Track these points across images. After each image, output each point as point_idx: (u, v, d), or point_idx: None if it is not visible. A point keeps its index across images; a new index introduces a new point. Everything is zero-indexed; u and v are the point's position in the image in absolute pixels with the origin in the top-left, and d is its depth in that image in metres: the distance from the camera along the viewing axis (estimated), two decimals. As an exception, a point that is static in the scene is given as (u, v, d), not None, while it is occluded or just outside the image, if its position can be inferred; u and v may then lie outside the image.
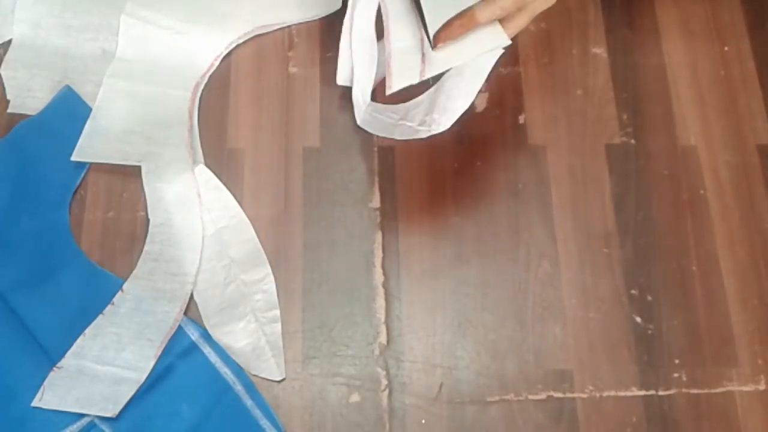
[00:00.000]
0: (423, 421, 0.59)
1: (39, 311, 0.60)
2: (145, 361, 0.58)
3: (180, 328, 0.60)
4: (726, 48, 0.72)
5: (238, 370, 0.59)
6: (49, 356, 0.58)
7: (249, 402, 0.59)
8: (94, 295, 0.61)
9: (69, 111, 0.66)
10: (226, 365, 0.59)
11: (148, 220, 0.63)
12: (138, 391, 0.58)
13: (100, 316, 0.60)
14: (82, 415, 0.57)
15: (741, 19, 0.73)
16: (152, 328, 0.59)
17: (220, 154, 0.67)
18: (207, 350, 0.60)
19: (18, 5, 0.70)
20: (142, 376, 0.58)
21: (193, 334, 0.60)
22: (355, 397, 0.60)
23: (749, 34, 0.72)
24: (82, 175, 0.65)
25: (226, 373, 0.59)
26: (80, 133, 0.65)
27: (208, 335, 0.60)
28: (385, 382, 0.60)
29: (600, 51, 0.71)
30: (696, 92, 0.70)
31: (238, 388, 0.59)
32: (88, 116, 0.65)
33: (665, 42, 0.71)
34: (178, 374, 0.59)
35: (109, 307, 0.60)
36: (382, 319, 0.62)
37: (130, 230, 0.64)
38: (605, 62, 0.70)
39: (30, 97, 0.67)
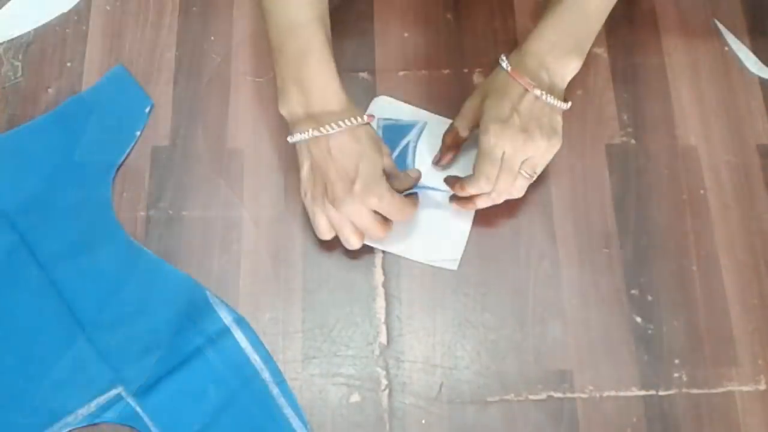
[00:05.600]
0: (423, 421, 0.59)
1: (76, 283, 0.61)
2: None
3: (214, 311, 0.60)
4: (726, 48, 0.72)
5: (267, 358, 0.60)
6: (83, 328, 0.59)
7: (275, 390, 0.59)
8: (130, 271, 0.62)
9: (119, 89, 0.67)
10: (256, 352, 0.60)
11: None
12: (168, 368, 0.59)
13: None
14: (110, 387, 0.58)
15: (741, 19, 0.73)
16: None
17: (220, 154, 0.67)
18: (239, 335, 0.60)
19: None
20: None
21: (227, 318, 0.60)
22: (355, 397, 0.60)
23: (749, 35, 0.72)
24: (127, 153, 0.66)
25: (255, 359, 0.59)
26: (129, 111, 0.66)
27: (242, 319, 0.61)
28: (385, 382, 0.60)
29: (600, 51, 0.71)
30: (696, 92, 0.70)
31: (266, 375, 0.59)
32: (138, 95, 0.67)
33: (665, 42, 0.71)
34: (209, 356, 0.59)
35: None
36: (382, 319, 0.62)
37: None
38: (605, 62, 0.70)
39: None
